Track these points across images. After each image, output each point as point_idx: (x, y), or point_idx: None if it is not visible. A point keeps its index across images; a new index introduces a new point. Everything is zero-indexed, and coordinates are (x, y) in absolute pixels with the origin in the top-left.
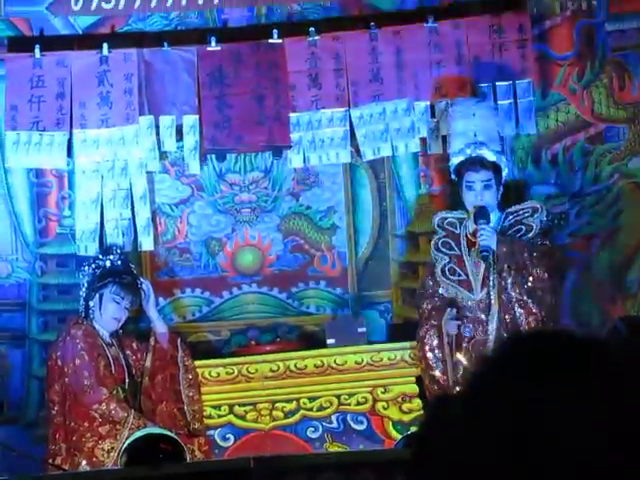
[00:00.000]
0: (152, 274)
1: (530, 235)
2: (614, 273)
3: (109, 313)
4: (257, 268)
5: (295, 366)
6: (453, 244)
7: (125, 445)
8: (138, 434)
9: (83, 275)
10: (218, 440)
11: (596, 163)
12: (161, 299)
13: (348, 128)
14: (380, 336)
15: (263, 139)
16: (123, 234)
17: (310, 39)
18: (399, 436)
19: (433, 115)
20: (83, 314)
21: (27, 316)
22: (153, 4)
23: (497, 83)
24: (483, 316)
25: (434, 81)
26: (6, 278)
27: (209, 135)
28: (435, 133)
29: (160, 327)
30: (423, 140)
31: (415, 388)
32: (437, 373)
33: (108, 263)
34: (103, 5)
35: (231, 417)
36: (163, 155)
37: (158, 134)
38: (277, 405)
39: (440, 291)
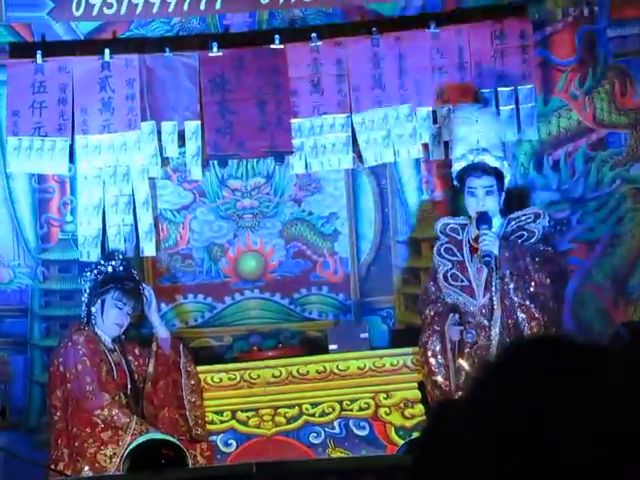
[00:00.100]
0: (154, 280)
1: (532, 241)
2: (616, 279)
3: (111, 319)
4: (259, 274)
5: (297, 372)
6: (455, 250)
7: (127, 451)
8: (140, 440)
9: (85, 281)
10: (220, 446)
11: (598, 169)
12: (163, 305)
13: (350, 134)
14: (382, 342)
15: (265, 145)
16: (125, 240)
17: (312, 45)
18: (401, 442)
19: (435, 121)
20: (85, 320)
21: (29, 322)
22: (155, 10)
23: (499, 89)
24: (485, 321)
25: (436, 87)
26: (8, 284)
27: (211, 141)
28: (437, 139)
29: (162, 333)
30: (425, 146)
31: (417, 394)
32: (439, 379)
33: (110, 269)
34: (105, 11)
35: (233, 423)
36: (165, 161)
37: (160, 140)
38: (279, 411)
39: (442, 297)
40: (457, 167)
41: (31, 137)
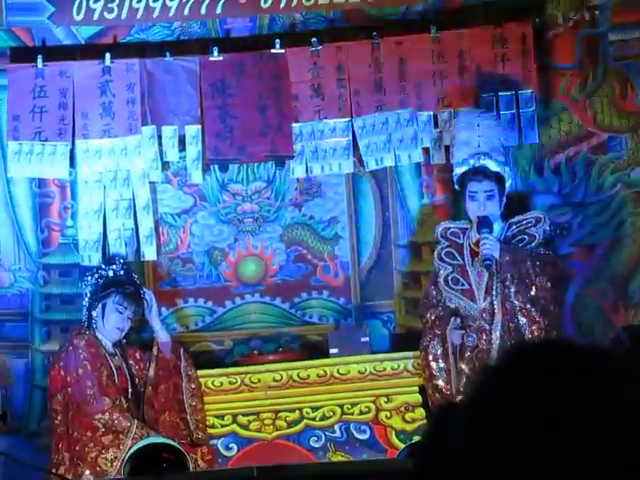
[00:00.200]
0: (155, 284)
1: (533, 245)
2: (617, 282)
3: (112, 323)
4: (260, 278)
5: (298, 376)
6: (456, 254)
7: (128, 455)
8: (141, 444)
9: (86, 285)
10: (221, 449)
11: (599, 173)
12: (164, 309)
13: (351, 138)
14: (383, 346)
15: (266, 149)
16: (126, 244)
17: (313, 49)
18: (402, 445)
19: (436, 125)
20: (86, 324)
21: (30, 326)
22: (155, 14)
23: (500, 93)
24: (486, 325)
25: (438, 91)
26: (9, 288)
27: (211, 145)
28: (438, 143)
29: (163, 337)
30: (426, 150)
31: (418, 397)
32: (440, 382)
33: (111, 273)
34: (105, 15)
35: (234, 427)
36: (165, 165)
37: (160, 144)
38: (280, 414)
39: (443, 301)
40: (458, 171)
41: (32, 142)
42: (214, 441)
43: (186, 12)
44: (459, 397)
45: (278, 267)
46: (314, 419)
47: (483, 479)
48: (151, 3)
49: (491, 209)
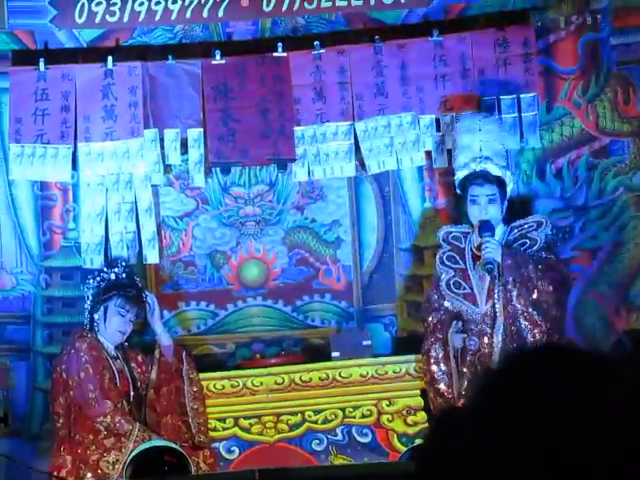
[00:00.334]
0: (157, 287)
1: (534, 248)
2: (618, 286)
3: (114, 326)
4: (262, 281)
5: (300, 379)
6: (458, 258)
7: (130, 457)
8: (143, 447)
9: (88, 288)
10: (223, 452)
11: (601, 177)
12: (166, 312)
13: (353, 142)
14: (385, 349)
15: (268, 152)
16: (128, 247)
17: (315, 53)
18: (404, 449)
19: (438, 129)
20: (88, 327)
21: (31, 329)
22: (157, 17)
23: (502, 97)
24: (488, 329)
25: (440, 95)
26: (11, 291)
27: (214, 148)
28: (440, 147)
29: (165, 340)
30: (428, 154)
31: (420, 401)
32: (442, 386)
33: (113, 276)
34: (107, 18)
35: (236, 430)
36: (168, 168)
37: (163, 147)
38: (282, 418)
39: (445, 304)
40: (460, 175)
41: (34, 144)
42: (216, 444)
43: (188, 15)
44: (461, 401)
45: (280, 270)
46: (316, 422)
47: None
48: (153, 6)
49: (493, 213)
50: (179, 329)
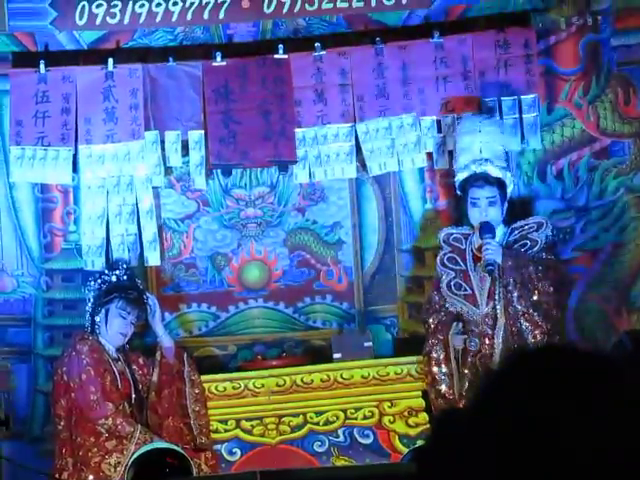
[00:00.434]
0: (158, 289)
1: (535, 250)
2: (619, 287)
3: (115, 328)
4: (263, 283)
5: (302, 380)
6: (459, 259)
7: (132, 460)
8: (145, 449)
9: (89, 290)
10: (225, 454)
11: (601, 178)
12: (167, 314)
13: (354, 143)
14: (386, 350)
15: (269, 154)
16: (129, 249)
17: (316, 54)
18: (405, 450)
19: (439, 130)
20: (89, 329)
21: (32, 331)
22: (158, 19)
23: (502, 98)
24: (489, 330)
25: (441, 96)
26: (11, 293)
27: (215, 150)
28: (441, 148)
29: (166, 342)
30: (429, 155)
31: (421, 402)
32: (443, 387)
33: (114, 278)
34: (108, 20)
35: (238, 431)
36: (168, 170)
37: (163, 149)
38: (284, 419)
39: (446, 306)
40: (460, 177)
41: (34, 147)
42: (218, 446)
43: (189, 17)
44: (462, 402)
45: (281, 272)
46: (317, 424)
47: None
48: (154, 8)
49: (493, 215)
50: (180, 331)
